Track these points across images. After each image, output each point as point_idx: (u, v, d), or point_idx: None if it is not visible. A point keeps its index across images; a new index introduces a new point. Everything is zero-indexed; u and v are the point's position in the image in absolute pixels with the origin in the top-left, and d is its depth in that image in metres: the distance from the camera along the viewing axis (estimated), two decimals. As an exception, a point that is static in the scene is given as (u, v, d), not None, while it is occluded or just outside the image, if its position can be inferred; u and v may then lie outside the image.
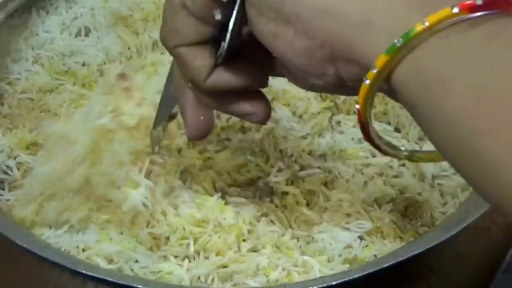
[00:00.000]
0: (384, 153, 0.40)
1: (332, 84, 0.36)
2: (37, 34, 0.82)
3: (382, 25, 0.32)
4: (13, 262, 0.62)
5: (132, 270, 0.62)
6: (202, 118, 0.44)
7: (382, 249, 0.64)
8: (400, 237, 0.66)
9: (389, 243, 0.65)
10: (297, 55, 0.35)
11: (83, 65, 0.79)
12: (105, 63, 0.79)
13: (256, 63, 0.41)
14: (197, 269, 0.62)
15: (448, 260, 0.61)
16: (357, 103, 0.34)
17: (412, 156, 0.42)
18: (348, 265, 0.63)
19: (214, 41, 0.40)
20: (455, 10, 0.31)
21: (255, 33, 0.36)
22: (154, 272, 0.62)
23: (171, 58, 0.46)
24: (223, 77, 0.39)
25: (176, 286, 0.62)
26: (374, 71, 0.32)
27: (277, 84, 0.72)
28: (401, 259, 0.57)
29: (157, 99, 0.65)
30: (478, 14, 0.32)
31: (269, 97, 0.49)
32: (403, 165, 0.70)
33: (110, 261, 0.62)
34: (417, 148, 0.71)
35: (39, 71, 0.78)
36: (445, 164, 0.71)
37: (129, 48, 0.79)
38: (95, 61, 0.79)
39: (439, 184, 0.69)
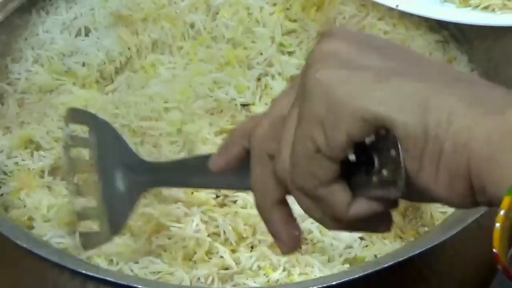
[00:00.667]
0: None
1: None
2: (37, 34, 0.82)
3: (504, 161, 0.34)
4: (13, 262, 0.62)
5: (132, 271, 0.62)
6: (297, 233, 0.45)
7: (382, 249, 0.64)
8: (400, 237, 0.66)
9: (389, 243, 0.65)
10: (440, 187, 0.36)
11: (83, 65, 0.79)
12: (105, 63, 0.79)
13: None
14: (197, 270, 0.62)
15: (448, 260, 0.61)
16: (494, 247, 0.34)
17: None
18: (348, 265, 0.63)
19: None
20: None
21: None
22: (154, 272, 0.62)
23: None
24: (365, 206, 0.40)
25: (177, 286, 0.62)
26: (501, 213, 0.33)
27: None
28: (401, 259, 0.57)
29: None
30: None
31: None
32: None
33: (110, 261, 0.62)
34: None
35: (39, 71, 0.78)
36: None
37: (129, 48, 0.79)
38: (95, 61, 0.79)
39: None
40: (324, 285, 0.55)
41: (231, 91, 0.75)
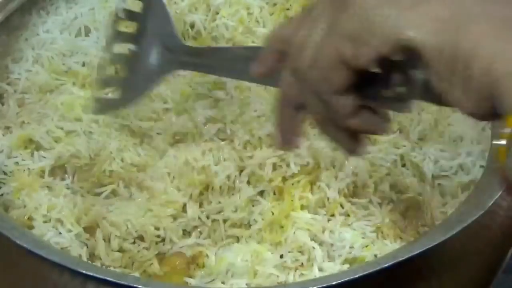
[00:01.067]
0: None
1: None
2: (37, 34, 0.82)
3: None
4: (13, 262, 0.62)
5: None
6: (295, 137, 0.49)
7: (382, 249, 0.64)
8: (400, 237, 0.66)
9: (389, 243, 0.65)
10: (468, 104, 0.39)
11: (83, 65, 0.79)
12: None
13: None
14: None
15: (448, 260, 0.61)
16: (499, 162, 0.39)
17: None
18: (348, 265, 0.63)
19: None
20: None
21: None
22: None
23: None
24: (363, 120, 0.44)
25: (178, 285, 0.62)
26: (508, 130, 0.38)
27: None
28: (401, 259, 0.57)
29: None
30: None
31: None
32: (403, 165, 0.70)
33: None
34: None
35: (39, 71, 0.78)
36: (445, 164, 0.71)
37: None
38: (95, 61, 0.79)
39: (439, 184, 0.69)
40: (324, 285, 0.55)
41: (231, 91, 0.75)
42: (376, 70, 0.42)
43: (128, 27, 0.66)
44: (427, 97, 0.43)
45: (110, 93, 0.67)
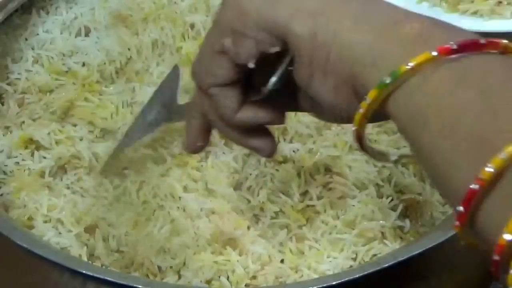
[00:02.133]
0: (377, 160, 0.49)
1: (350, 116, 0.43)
2: (37, 34, 0.82)
3: (383, 65, 0.39)
4: (13, 262, 0.62)
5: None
6: (200, 144, 0.51)
7: (382, 249, 0.64)
8: (400, 237, 0.66)
9: (389, 243, 0.65)
10: (328, 91, 0.42)
11: (83, 65, 0.79)
12: (105, 63, 0.79)
13: (278, 102, 0.47)
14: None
15: (448, 260, 0.61)
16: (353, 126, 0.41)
17: (399, 160, 0.50)
18: (351, 263, 0.63)
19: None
20: (434, 53, 0.38)
21: (294, 76, 0.43)
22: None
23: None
24: (250, 114, 0.46)
25: (176, 286, 0.62)
26: (367, 101, 0.39)
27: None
28: (401, 259, 0.57)
29: None
30: (453, 56, 0.38)
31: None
32: (403, 165, 0.70)
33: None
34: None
35: (39, 71, 0.78)
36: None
37: (129, 49, 0.79)
38: (95, 61, 0.79)
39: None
40: (324, 285, 0.55)
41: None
42: (251, 65, 0.43)
43: None
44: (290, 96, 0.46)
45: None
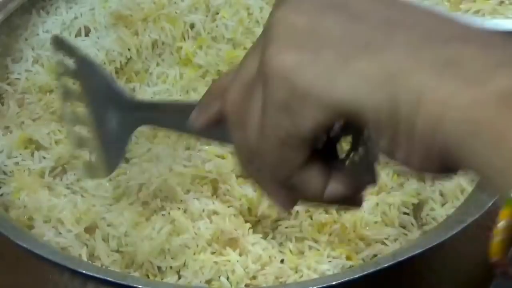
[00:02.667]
0: None
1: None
2: (37, 34, 0.82)
3: (503, 152, 0.30)
4: (13, 262, 0.62)
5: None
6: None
7: (382, 249, 0.64)
8: (400, 237, 0.66)
9: (389, 243, 0.65)
10: (417, 160, 0.34)
11: (83, 65, 0.79)
12: (105, 63, 0.79)
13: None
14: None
15: (448, 260, 0.61)
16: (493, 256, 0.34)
17: None
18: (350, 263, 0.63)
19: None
20: None
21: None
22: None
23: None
24: (338, 189, 0.38)
25: (177, 286, 0.62)
26: (502, 226, 0.33)
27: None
28: (401, 259, 0.57)
29: None
30: None
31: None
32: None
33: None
34: None
35: (39, 71, 0.78)
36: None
37: (129, 49, 0.79)
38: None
39: (439, 184, 0.69)
40: (324, 285, 0.55)
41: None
42: (319, 145, 0.37)
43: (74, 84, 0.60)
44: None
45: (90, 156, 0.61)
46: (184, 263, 0.63)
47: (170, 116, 0.51)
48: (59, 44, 0.60)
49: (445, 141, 0.32)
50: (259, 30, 0.81)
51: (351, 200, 0.40)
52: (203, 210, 0.66)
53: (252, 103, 0.37)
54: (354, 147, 0.38)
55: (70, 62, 0.59)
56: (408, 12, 0.35)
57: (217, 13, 0.82)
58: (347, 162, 0.38)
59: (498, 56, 0.32)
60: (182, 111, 0.47)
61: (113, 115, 0.56)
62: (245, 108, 0.38)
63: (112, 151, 0.58)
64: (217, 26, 0.81)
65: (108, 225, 0.65)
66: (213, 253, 0.64)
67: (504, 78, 0.30)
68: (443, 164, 0.33)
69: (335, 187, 0.38)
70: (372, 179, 0.38)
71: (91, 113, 0.57)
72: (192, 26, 0.81)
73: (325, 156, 0.38)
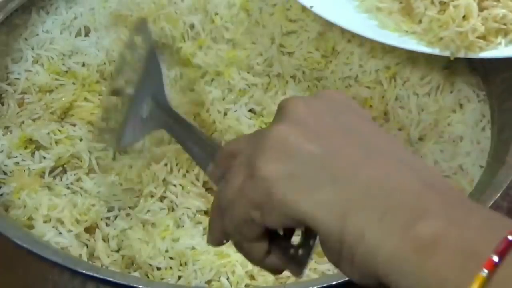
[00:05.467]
0: None
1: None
2: (37, 34, 0.82)
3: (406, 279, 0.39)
4: (13, 262, 0.62)
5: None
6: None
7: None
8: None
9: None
10: (356, 276, 0.42)
11: (83, 65, 0.79)
12: (105, 63, 0.79)
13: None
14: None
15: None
16: None
17: None
18: (348, 265, 0.63)
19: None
20: (484, 273, 0.36)
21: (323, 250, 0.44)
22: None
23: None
24: (275, 262, 0.46)
25: (176, 286, 0.62)
26: None
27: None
28: (401, 259, 0.57)
29: None
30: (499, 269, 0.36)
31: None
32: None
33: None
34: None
35: (39, 71, 0.78)
36: (444, 164, 0.71)
37: (129, 49, 0.79)
38: (95, 61, 0.79)
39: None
40: (324, 285, 0.55)
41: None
42: (280, 232, 0.45)
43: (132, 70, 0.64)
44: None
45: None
46: (184, 263, 0.63)
47: (190, 138, 0.55)
48: (143, 27, 0.63)
49: (377, 271, 0.39)
50: (258, 31, 0.81)
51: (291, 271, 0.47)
52: (203, 210, 0.66)
53: (238, 173, 0.45)
54: (302, 240, 0.45)
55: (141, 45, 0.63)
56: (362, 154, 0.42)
57: (217, 14, 0.82)
58: (291, 250, 0.45)
59: (432, 205, 0.39)
60: (201, 142, 0.53)
61: (148, 108, 0.60)
62: (232, 169, 0.45)
63: (128, 135, 0.61)
64: (216, 27, 0.81)
65: (108, 225, 0.66)
66: (213, 253, 0.64)
67: (425, 228, 0.38)
68: (377, 282, 0.40)
69: (273, 260, 0.46)
70: (299, 272, 0.45)
71: (133, 93, 0.61)
72: (191, 26, 0.81)
73: (275, 234, 0.46)
